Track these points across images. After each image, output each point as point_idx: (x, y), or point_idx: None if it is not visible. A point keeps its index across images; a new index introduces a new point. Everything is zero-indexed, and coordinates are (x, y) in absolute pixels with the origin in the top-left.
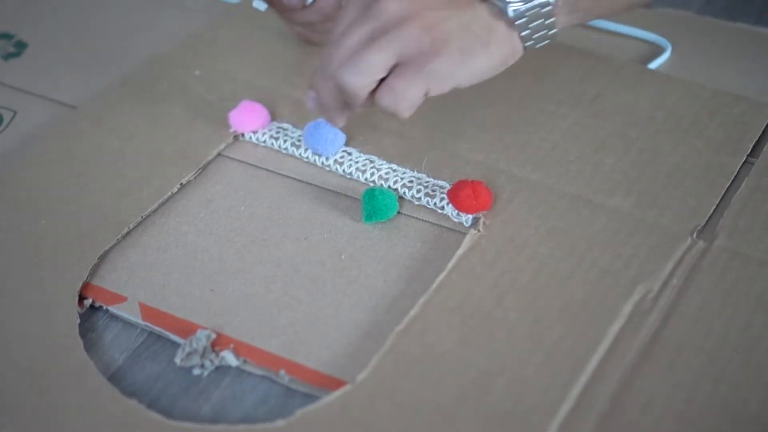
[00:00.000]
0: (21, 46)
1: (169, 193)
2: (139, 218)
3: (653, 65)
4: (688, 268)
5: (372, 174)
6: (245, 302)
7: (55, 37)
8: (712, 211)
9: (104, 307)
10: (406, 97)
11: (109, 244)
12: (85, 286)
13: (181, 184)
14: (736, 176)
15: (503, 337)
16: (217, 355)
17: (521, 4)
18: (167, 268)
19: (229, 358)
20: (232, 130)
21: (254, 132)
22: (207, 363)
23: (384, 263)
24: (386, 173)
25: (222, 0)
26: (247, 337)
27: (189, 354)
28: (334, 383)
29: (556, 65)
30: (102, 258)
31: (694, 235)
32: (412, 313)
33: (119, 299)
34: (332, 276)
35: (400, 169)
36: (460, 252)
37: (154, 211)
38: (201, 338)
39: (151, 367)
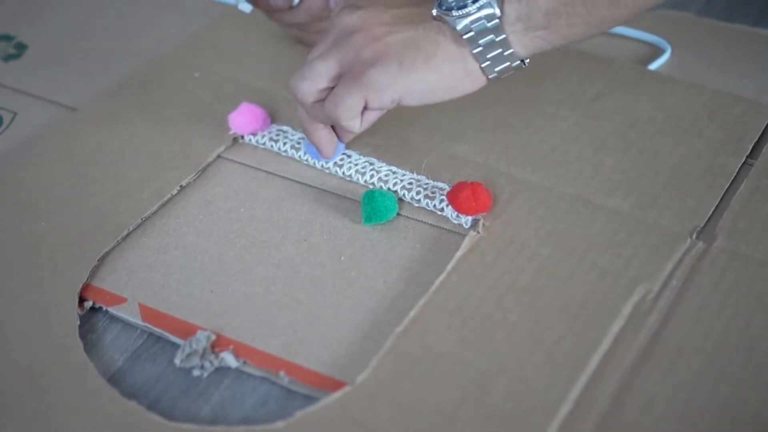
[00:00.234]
0: (21, 47)
1: (169, 195)
2: (139, 220)
3: (653, 66)
4: (687, 268)
5: (371, 176)
6: (245, 303)
7: (55, 38)
8: (711, 211)
9: (104, 309)
10: (345, 105)
11: (109, 245)
12: (85, 287)
13: (180, 185)
14: (735, 177)
15: (503, 337)
16: (217, 356)
17: (466, 19)
18: (167, 270)
19: (229, 359)
20: (231, 132)
21: (254, 134)
22: (207, 364)
23: (384, 264)
24: (386, 175)
25: (221, 1)
26: (246, 338)
27: (189, 355)
28: (334, 384)
29: (555, 66)
30: (102, 259)
31: (694, 236)
32: (412, 314)
33: (119, 300)
34: (332, 277)
35: (400, 170)
36: (459, 253)
37: (154, 212)
38: (201, 339)
39: (150, 368)
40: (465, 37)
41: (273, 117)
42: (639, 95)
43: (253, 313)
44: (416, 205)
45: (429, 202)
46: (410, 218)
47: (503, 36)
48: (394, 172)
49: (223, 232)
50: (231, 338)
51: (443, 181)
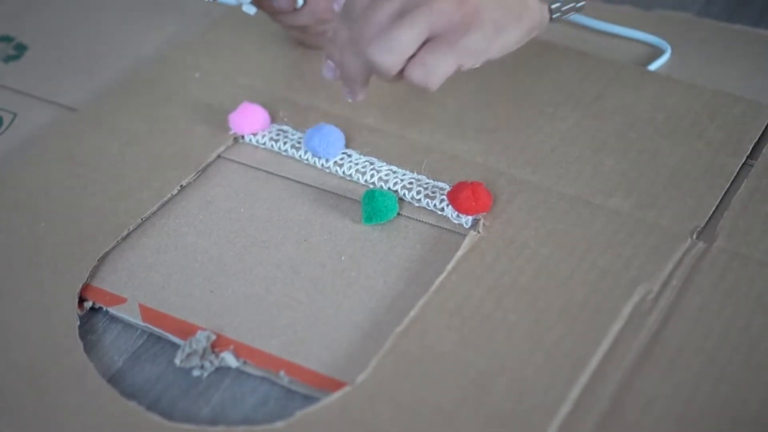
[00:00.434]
0: (21, 48)
1: (169, 195)
2: (139, 220)
3: (653, 67)
4: (687, 268)
5: (372, 176)
6: (245, 303)
7: (55, 39)
8: (711, 212)
9: (104, 309)
10: (438, 73)
11: (109, 245)
12: (85, 287)
13: (181, 185)
14: (735, 177)
15: (503, 337)
16: (217, 356)
17: None
18: (167, 270)
19: (229, 359)
20: (231, 132)
21: (254, 134)
22: (207, 364)
23: (384, 264)
24: (386, 175)
25: (223, 2)
26: (246, 338)
27: (189, 355)
28: (334, 384)
29: (556, 67)
30: (102, 259)
31: (694, 236)
32: (412, 314)
33: (119, 300)
34: (332, 277)
35: (400, 170)
36: (459, 253)
37: (154, 212)
38: (201, 339)
39: (150, 368)
40: None
41: (273, 117)
42: (639, 96)
43: (253, 313)
44: (416, 204)
45: (429, 201)
46: (410, 218)
47: None
48: (394, 172)
49: (223, 232)
50: (231, 338)
51: (443, 181)
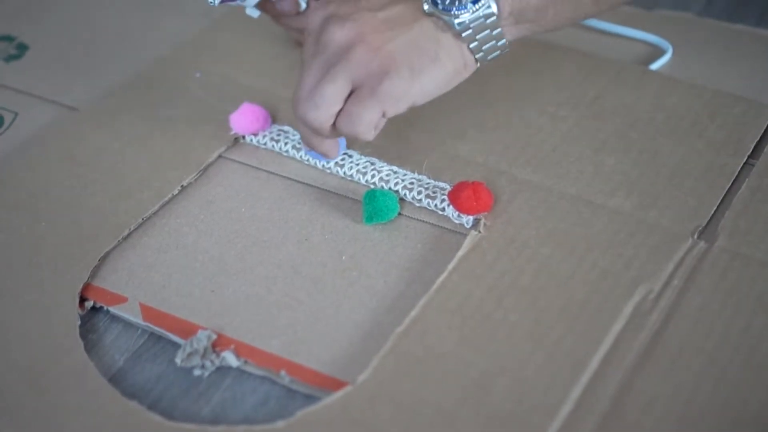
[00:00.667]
0: (22, 48)
1: (170, 195)
2: (140, 220)
3: (654, 66)
4: (688, 268)
5: (373, 176)
6: (246, 303)
7: (56, 39)
8: (712, 211)
9: (105, 309)
10: (362, 121)
11: (110, 245)
12: (86, 287)
13: (181, 185)
14: (736, 177)
15: (504, 337)
16: (218, 355)
17: (466, 15)
18: (168, 269)
19: (230, 358)
20: (232, 133)
21: (255, 134)
22: (207, 363)
23: (385, 264)
24: (387, 175)
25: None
26: (247, 338)
27: (190, 354)
28: (335, 384)
29: (556, 67)
30: (103, 259)
31: (695, 236)
32: (413, 314)
33: (120, 300)
34: (333, 277)
35: (401, 170)
36: (460, 253)
37: (155, 212)
38: (201, 339)
39: (151, 368)
40: (464, 34)
41: (274, 117)
42: (640, 95)
43: (253, 313)
44: (417, 204)
45: (430, 201)
46: (411, 218)
47: (498, 30)
48: (395, 172)
49: (224, 232)
50: (232, 338)
51: (444, 181)
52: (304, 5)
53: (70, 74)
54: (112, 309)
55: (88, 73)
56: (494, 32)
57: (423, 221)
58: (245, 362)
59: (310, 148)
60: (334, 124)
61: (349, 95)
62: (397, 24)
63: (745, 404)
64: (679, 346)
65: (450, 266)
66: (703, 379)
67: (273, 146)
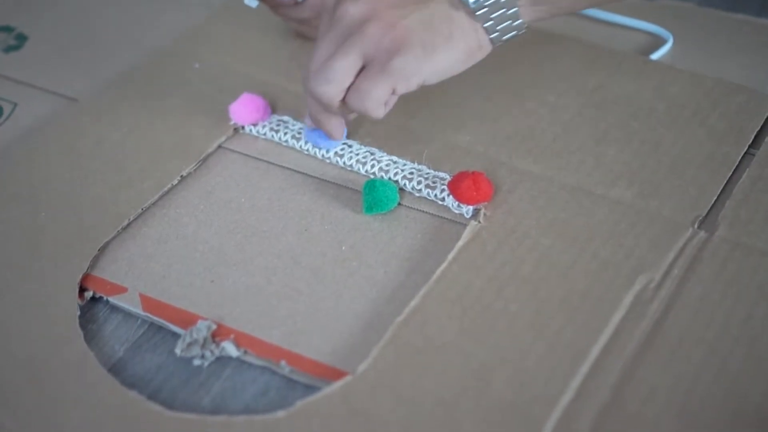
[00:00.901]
0: (21, 38)
1: (170, 185)
2: (140, 210)
3: (655, 56)
4: (689, 258)
5: (372, 166)
6: (245, 293)
7: (55, 29)
8: (713, 201)
9: (105, 299)
10: (372, 97)
11: (110, 235)
12: (86, 277)
13: (181, 176)
14: (737, 167)
15: (504, 328)
16: (218, 345)
17: None
18: (168, 260)
19: (230, 348)
20: (232, 123)
21: (254, 124)
22: (207, 353)
23: (384, 254)
24: (387, 165)
25: None
26: (247, 328)
27: (189, 344)
28: (335, 374)
29: (557, 56)
30: (102, 249)
31: (696, 226)
32: (413, 304)
33: (120, 290)
34: (333, 267)
35: (401, 160)
36: (460, 243)
37: (155, 203)
38: (201, 329)
39: (151, 358)
40: (478, 13)
41: (273, 107)
42: (641, 85)
43: (253, 303)
44: (417, 194)
45: (430, 191)
46: (411, 208)
47: (515, 9)
48: (395, 162)
49: (223, 222)
50: (232, 328)
51: (444, 171)
52: None
53: (70, 65)
54: (112, 299)
55: (87, 63)
56: (510, 11)
57: (423, 211)
58: (245, 352)
59: (317, 125)
60: (344, 100)
61: (361, 71)
62: (412, 1)
63: (745, 394)
64: (679, 336)
65: (450, 256)
66: (704, 369)
67: (273, 136)
